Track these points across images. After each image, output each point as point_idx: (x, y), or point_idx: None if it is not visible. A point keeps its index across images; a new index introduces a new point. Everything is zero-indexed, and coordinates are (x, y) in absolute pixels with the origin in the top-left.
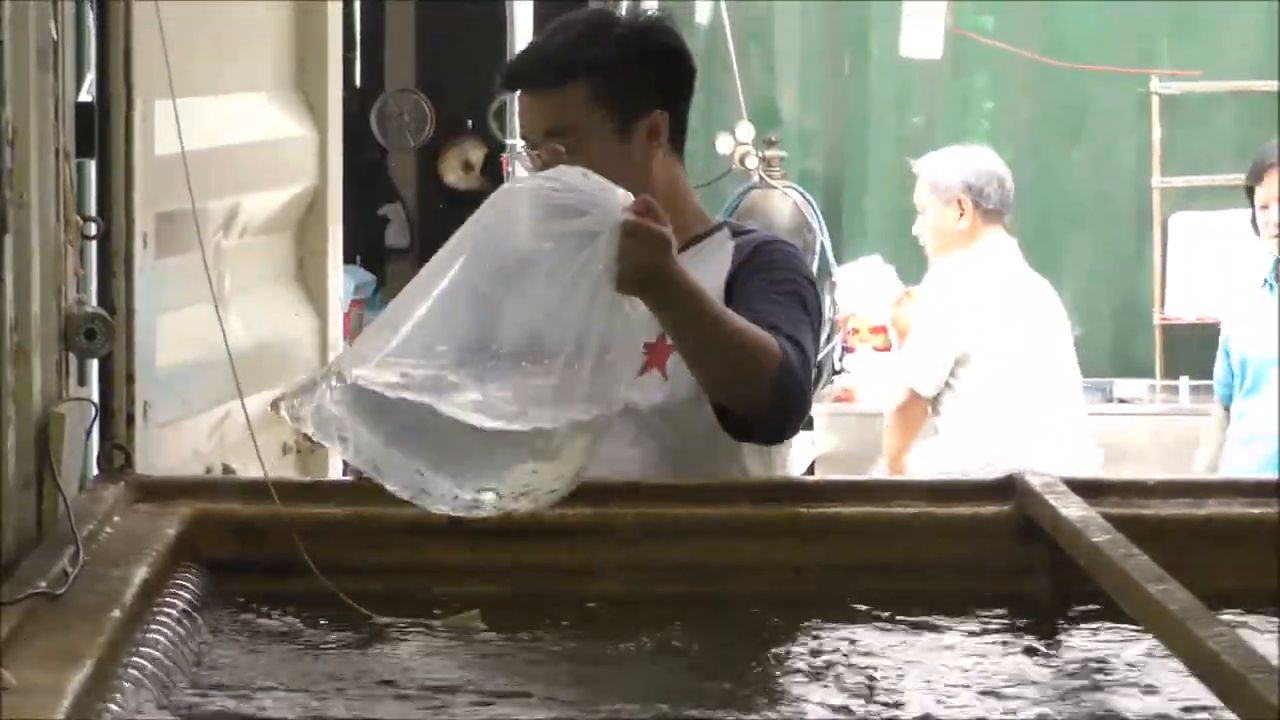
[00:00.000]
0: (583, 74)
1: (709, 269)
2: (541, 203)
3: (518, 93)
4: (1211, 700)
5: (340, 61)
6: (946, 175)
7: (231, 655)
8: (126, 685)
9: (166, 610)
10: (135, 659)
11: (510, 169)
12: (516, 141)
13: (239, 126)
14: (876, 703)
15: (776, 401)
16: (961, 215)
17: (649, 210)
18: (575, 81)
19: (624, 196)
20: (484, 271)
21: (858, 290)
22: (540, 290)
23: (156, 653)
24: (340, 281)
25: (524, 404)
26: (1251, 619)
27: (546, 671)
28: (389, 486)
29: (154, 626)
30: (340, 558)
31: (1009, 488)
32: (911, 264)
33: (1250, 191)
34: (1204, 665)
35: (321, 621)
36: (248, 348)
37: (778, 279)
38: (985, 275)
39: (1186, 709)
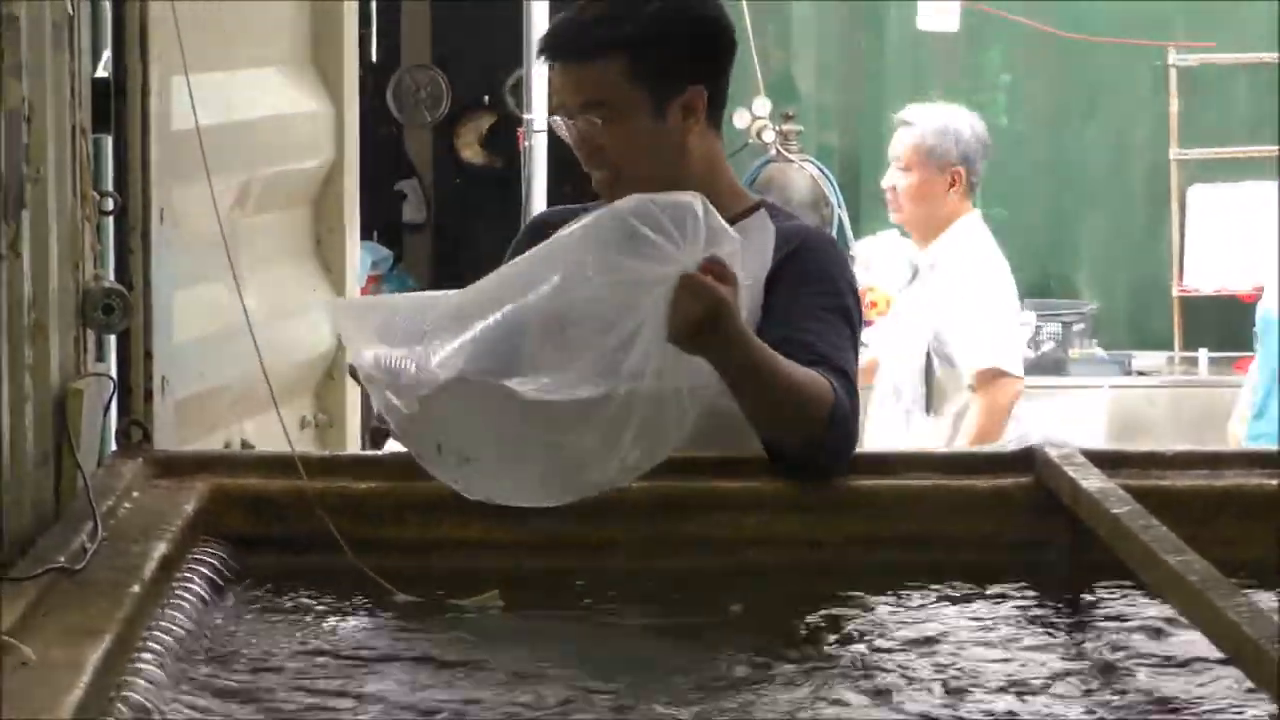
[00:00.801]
0: (620, 47)
1: (750, 255)
2: (628, 231)
3: (552, 63)
4: (1232, 670)
5: (356, 37)
6: (945, 140)
7: (250, 630)
8: (145, 660)
9: (185, 585)
10: (154, 634)
11: (527, 143)
12: (533, 116)
13: (255, 102)
14: (897, 676)
15: (829, 446)
16: (954, 187)
17: (716, 269)
18: (612, 54)
19: (719, 243)
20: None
21: (876, 264)
22: (590, 329)
23: (175, 628)
24: (357, 256)
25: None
26: (1270, 590)
27: (562, 647)
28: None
29: (173, 602)
30: (359, 532)
31: (1028, 460)
32: None
33: None
34: (1224, 635)
35: (341, 597)
36: (266, 322)
37: (824, 291)
38: (993, 248)
39: (1205, 680)
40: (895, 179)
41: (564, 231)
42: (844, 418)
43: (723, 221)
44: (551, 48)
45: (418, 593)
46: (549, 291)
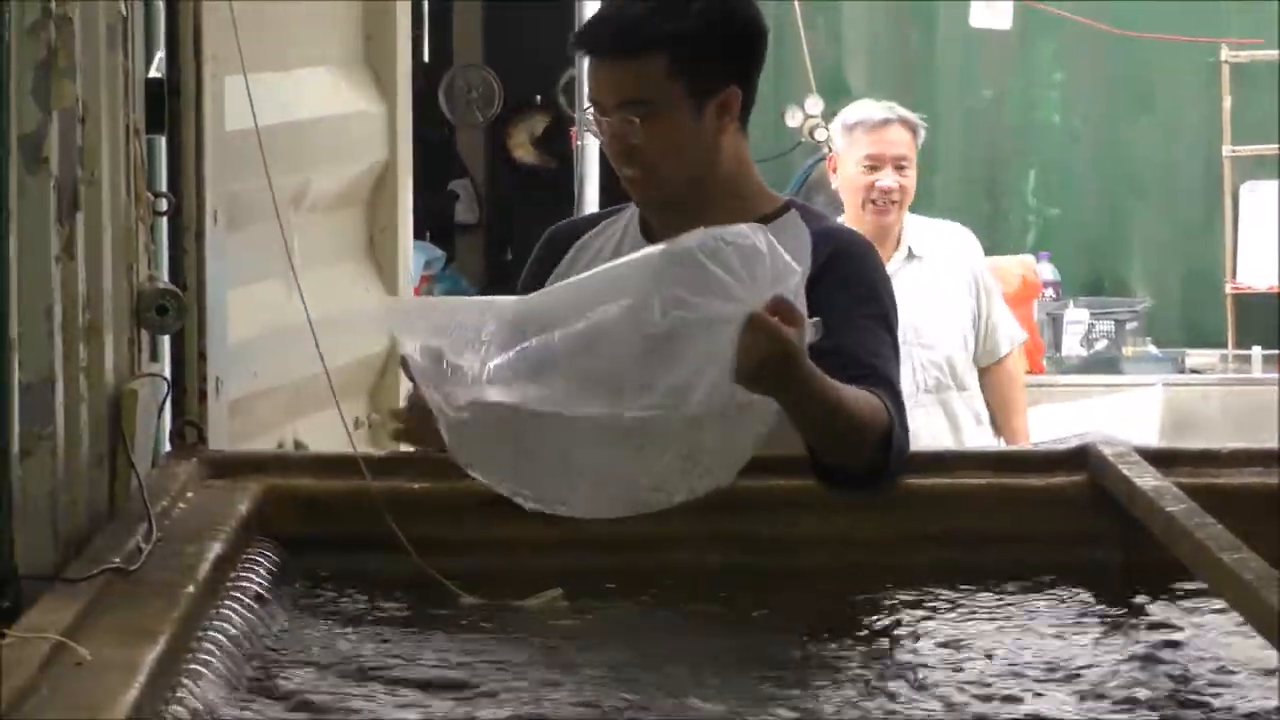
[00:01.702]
0: (663, 45)
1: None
2: (696, 266)
3: (589, 58)
4: None
5: (409, 37)
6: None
7: (305, 632)
8: (200, 661)
9: (240, 586)
10: (209, 635)
11: (579, 142)
12: (585, 108)
13: (309, 102)
14: (946, 674)
15: (887, 470)
16: None
17: (782, 310)
18: (655, 52)
19: (781, 290)
20: (617, 313)
21: None
22: (656, 363)
23: (230, 628)
24: (410, 257)
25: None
26: None
27: (618, 644)
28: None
29: (227, 602)
30: (414, 532)
31: (1082, 458)
32: (981, 236)
33: None
34: None
35: (396, 598)
36: (319, 323)
37: (865, 298)
38: None
39: (1259, 679)
40: (898, 179)
41: (630, 259)
42: (900, 439)
43: (786, 256)
44: (592, 43)
45: (476, 593)
46: (613, 321)
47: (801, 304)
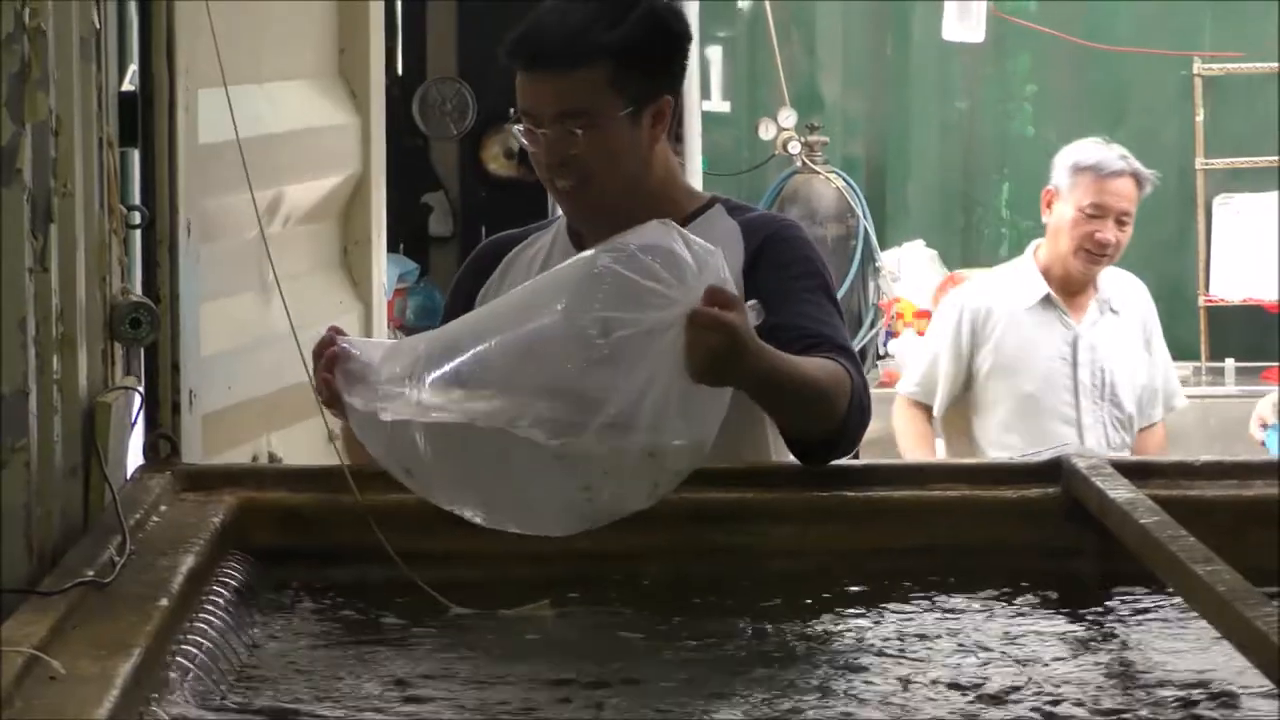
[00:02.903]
0: (605, 55)
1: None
2: (621, 282)
3: (524, 69)
4: (1264, 682)
5: (382, 50)
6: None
7: (279, 645)
8: (173, 675)
9: (214, 599)
10: (183, 648)
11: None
12: (514, 120)
13: (282, 114)
14: (921, 686)
15: (852, 427)
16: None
17: (719, 299)
18: (596, 62)
19: (710, 279)
20: (552, 330)
21: (902, 274)
22: (607, 370)
23: (205, 641)
24: (384, 269)
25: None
26: None
27: (601, 656)
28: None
29: (201, 615)
30: (391, 543)
31: (1055, 470)
32: (955, 249)
33: None
34: (1253, 646)
35: (371, 609)
36: (291, 334)
37: (805, 273)
38: None
39: (1234, 692)
40: (1118, 234)
41: (557, 274)
42: (859, 397)
43: (699, 242)
44: (531, 53)
45: (457, 603)
46: (550, 335)
47: (732, 288)
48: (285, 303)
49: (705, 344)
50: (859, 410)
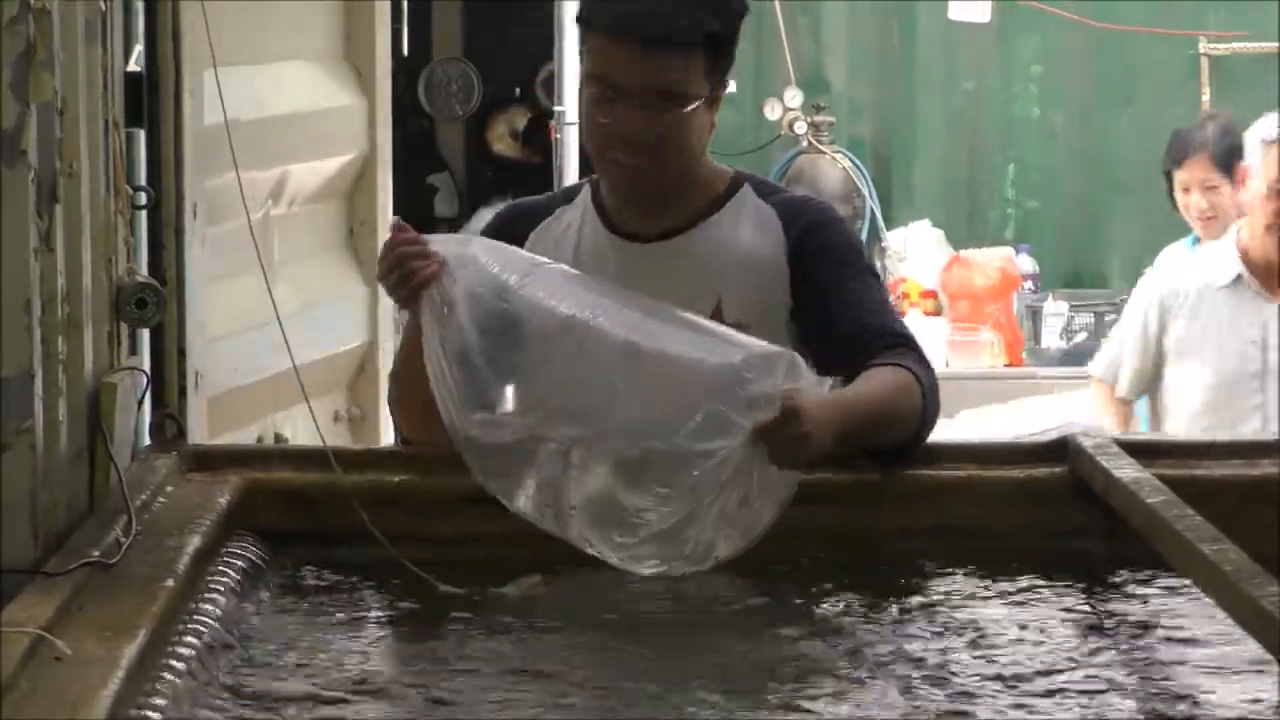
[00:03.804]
0: (704, 42)
1: (758, 235)
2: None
3: (618, 39)
4: (1265, 657)
5: (388, 31)
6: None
7: (285, 625)
8: (180, 656)
9: (219, 580)
10: (189, 629)
11: (558, 136)
12: (564, 109)
13: (288, 96)
14: (927, 665)
15: (926, 428)
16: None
17: (790, 415)
18: (695, 48)
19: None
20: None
21: (908, 255)
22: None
23: (211, 622)
24: None
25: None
26: None
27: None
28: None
29: (207, 596)
30: (393, 526)
31: (1062, 450)
32: (961, 230)
33: (1169, 174)
34: (1258, 625)
35: (376, 590)
36: (298, 315)
37: (847, 260)
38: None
39: (1240, 671)
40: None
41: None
42: (930, 397)
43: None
44: (635, 27)
45: (456, 584)
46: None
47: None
48: (270, 289)
49: (785, 455)
50: (932, 410)
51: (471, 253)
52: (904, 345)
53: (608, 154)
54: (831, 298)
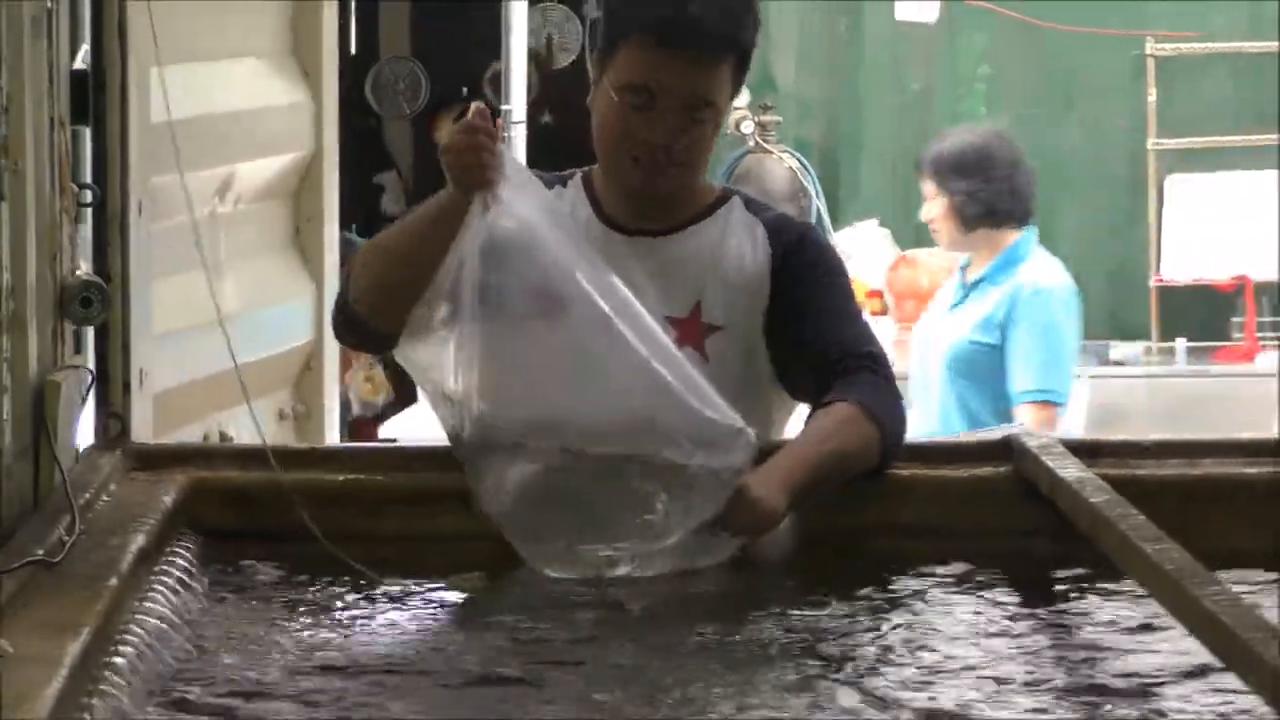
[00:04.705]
0: (736, 53)
1: (744, 246)
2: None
3: (662, 47)
4: (1209, 659)
5: (335, 28)
6: None
7: (228, 623)
8: (123, 654)
9: (164, 578)
10: (132, 627)
11: (505, 135)
12: (511, 108)
13: (234, 93)
14: (871, 665)
15: (889, 457)
16: None
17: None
18: (728, 59)
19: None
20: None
21: (854, 255)
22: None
23: (154, 620)
24: (336, 248)
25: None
26: (1248, 578)
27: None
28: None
29: (151, 595)
30: (338, 524)
31: (1006, 449)
32: (908, 229)
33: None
34: (1201, 625)
35: (320, 589)
36: (244, 313)
37: (828, 282)
38: None
39: (1185, 671)
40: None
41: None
42: (891, 426)
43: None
44: (684, 37)
45: (397, 582)
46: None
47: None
48: (212, 288)
49: (742, 529)
50: (891, 432)
51: (527, 178)
52: (867, 368)
53: (631, 157)
54: (806, 318)
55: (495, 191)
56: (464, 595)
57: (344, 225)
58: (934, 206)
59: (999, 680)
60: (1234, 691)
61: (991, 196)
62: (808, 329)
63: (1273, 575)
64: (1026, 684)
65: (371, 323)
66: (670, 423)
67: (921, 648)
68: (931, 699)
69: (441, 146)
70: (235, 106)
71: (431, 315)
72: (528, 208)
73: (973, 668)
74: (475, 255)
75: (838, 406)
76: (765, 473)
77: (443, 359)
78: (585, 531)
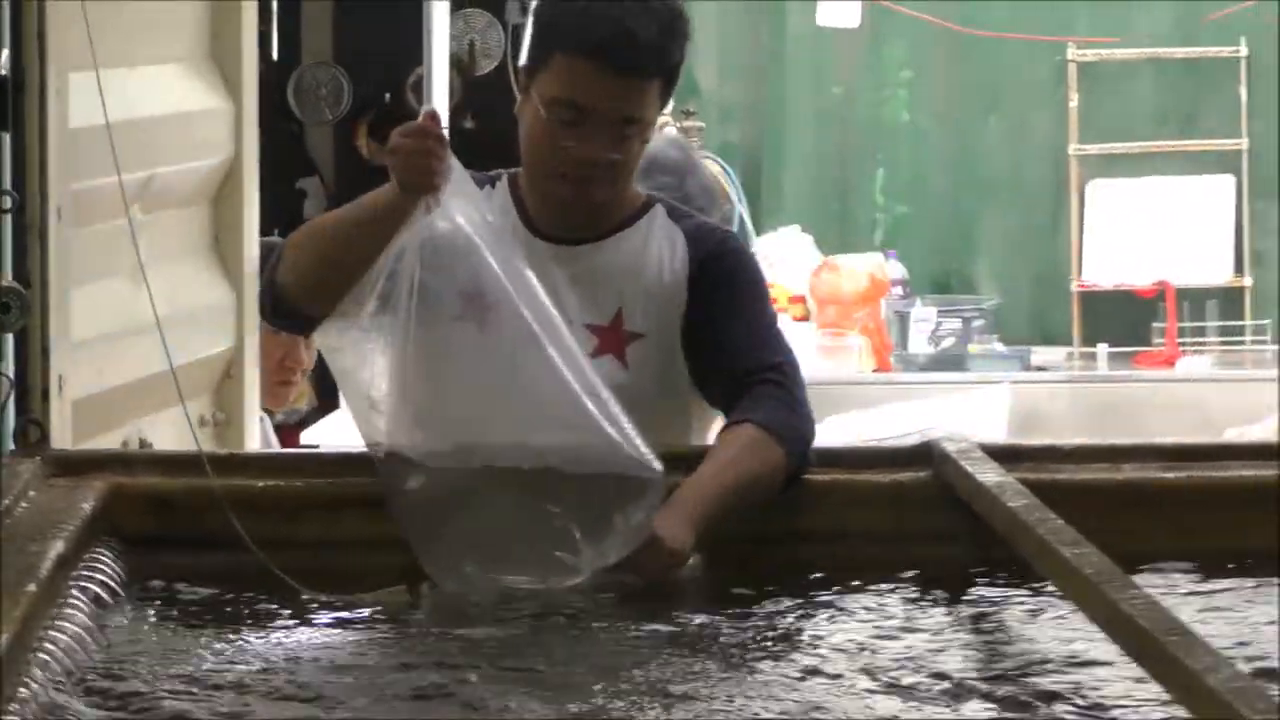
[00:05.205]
0: (664, 73)
1: (664, 254)
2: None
3: (593, 64)
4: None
5: (256, 34)
6: None
7: (147, 630)
8: (40, 662)
9: (82, 585)
10: (51, 634)
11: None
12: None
13: (154, 99)
14: (792, 670)
15: (797, 471)
16: None
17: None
18: (658, 78)
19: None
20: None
21: (777, 260)
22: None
23: (73, 627)
24: (256, 254)
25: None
26: (1167, 581)
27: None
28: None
29: (70, 601)
30: (258, 530)
31: (925, 454)
32: (830, 234)
33: None
34: (1118, 627)
35: (241, 596)
36: (163, 320)
37: (742, 291)
38: None
39: (1100, 672)
40: None
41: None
42: (796, 445)
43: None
44: (616, 55)
45: (322, 591)
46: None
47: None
48: (150, 289)
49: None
50: (797, 459)
51: (468, 185)
52: (772, 381)
53: (558, 173)
54: (718, 328)
55: (439, 195)
56: (389, 609)
57: (265, 231)
58: None
59: (913, 682)
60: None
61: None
62: (719, 340)
63: (1193, 578)
64: (943, 691)
65: (298, 302)
66: (590, 456)
67: (829, 650)
68: (840, 699)
69: (390, 146)
70: (154, 112)
71: (361, 305)
72: (464, 213)
73: (884, 669)
74: (415, 251)
75: (741, 430)
76: (672, 511)
77: (367, 351)
78: (492, 558)
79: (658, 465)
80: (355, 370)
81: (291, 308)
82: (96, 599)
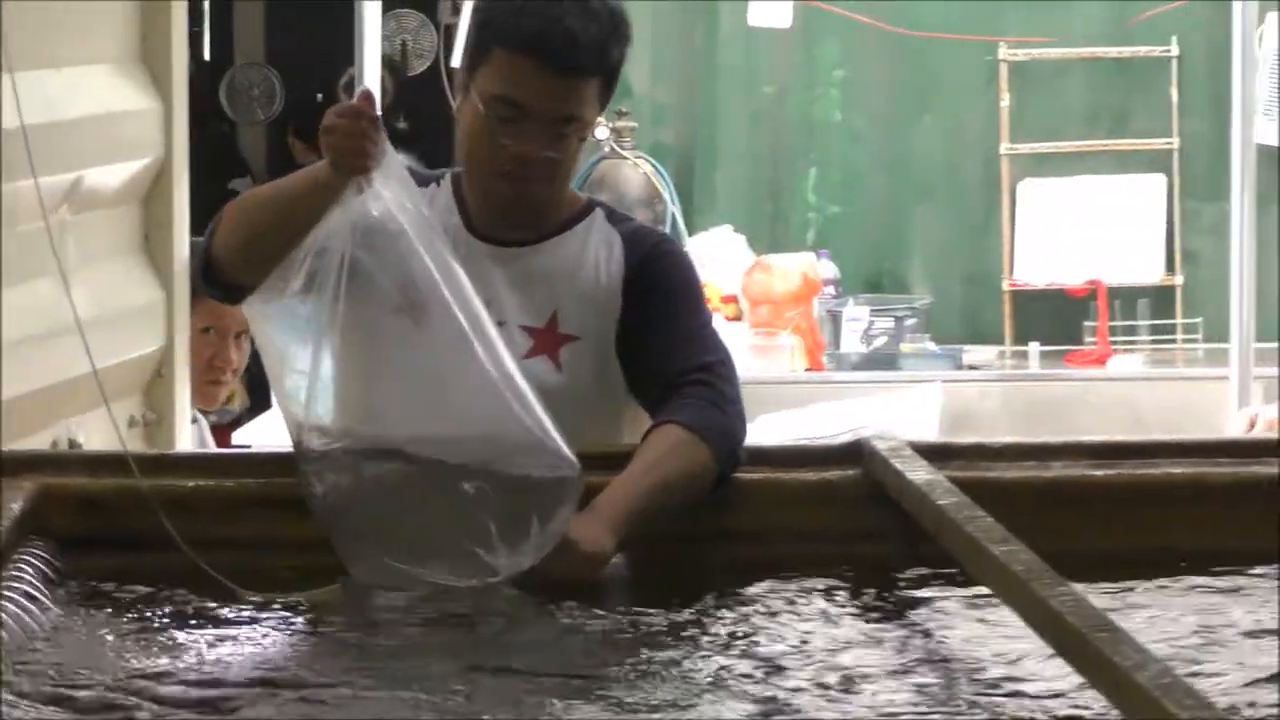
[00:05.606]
0: (604, 72)
1: (601, 258)
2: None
3: (532, 62)
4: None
5: (185, 34)
6: None
7: (79, 632)
8: None
9: (12, 586)
10: None
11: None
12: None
13: (81, 100)
14: (722, 669)
15: (727, 468)
16: None
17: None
18: (596, 78)
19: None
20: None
21: (709, 260)
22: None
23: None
24: (186, 254)
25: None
26: (1096, 579)
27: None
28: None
29: None
30: (189, 530)
31: (855, 452)
32: (763, 234)
33: None
34: (1047, 625)
35: (172, 596)
36: (93, 321)
37: (676, 296)
38: None
39: (1029, 670)
40: None
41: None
42: (726, 442)
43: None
44: (555, 55)
45: (255, 590)
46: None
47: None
48: (69, 292)
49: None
50: (725, 457)
51: (402, 174)
52: (701, 382)
53: (497, 171)
54: (651, 332)
55: (370, 177)
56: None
57: (197, 231)
58: None
59: (839, 681)
60: (1080, 689)
61: None
62: (651, 343)
63: (1121, 576)
64: (871, 688)
65: (229, 270)
66: (510, 454)
67: (757, 649)
68: (771, 697)
69: (323, 126)
70: (80, 113)
71: (288, 280)
72: (397, 199)
73: (812, 666)
74: (346, 232)
75: (665, 430)
76: (592, 514)
77: (290, 326)
78: (409, 552)
79: (576, 464)
80: (278, 344)
81: (223, 276)
82: (27, 597)
